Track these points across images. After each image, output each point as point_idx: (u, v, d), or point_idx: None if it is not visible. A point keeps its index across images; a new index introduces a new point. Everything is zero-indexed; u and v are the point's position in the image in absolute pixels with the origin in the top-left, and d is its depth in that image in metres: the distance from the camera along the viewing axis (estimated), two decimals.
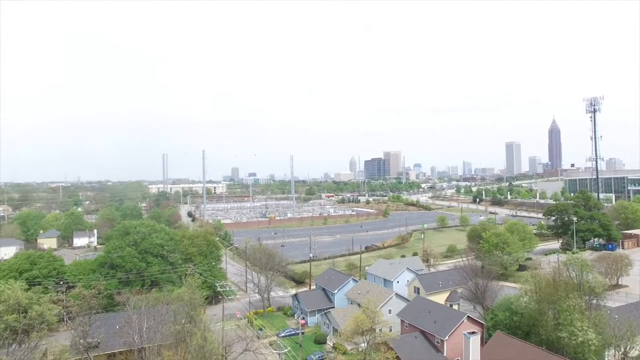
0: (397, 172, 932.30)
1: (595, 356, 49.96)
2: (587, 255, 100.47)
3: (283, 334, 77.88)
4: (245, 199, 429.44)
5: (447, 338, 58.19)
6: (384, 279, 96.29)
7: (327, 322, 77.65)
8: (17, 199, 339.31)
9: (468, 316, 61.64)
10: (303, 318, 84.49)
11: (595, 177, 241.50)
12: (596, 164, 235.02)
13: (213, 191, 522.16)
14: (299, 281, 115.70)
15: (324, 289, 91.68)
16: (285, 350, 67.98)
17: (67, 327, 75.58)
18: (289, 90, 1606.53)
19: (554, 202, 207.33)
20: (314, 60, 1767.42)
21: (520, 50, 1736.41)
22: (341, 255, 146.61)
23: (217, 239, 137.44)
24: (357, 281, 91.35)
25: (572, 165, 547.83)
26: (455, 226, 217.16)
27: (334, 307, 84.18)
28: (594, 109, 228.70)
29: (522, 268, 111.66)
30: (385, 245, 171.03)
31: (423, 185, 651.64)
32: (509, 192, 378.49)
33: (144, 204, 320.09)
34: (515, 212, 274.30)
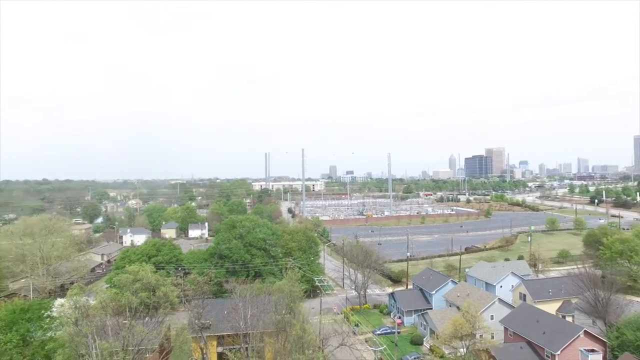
0: (501, 169, 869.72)
1: None
2: None
3: (379, 332, 78.10)
4: (343, 196, 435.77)
5: (559, 353, 53.38)
6: (486, 283, 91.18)
7: (424, 323, 76.03)
8: (145, 193, 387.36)
9: (585, 331, 55.88)
10: (399, 317, 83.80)
11: None
12: None
13: (312, 188, 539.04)
14: (395, 280, 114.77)
15: (421, 289, 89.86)
16: (381, 348, 68.12)
17: (184, 308, 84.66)
18: (378, 88, 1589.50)
19: None
20: (399, 55, 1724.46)
21: None
22: (439, 256, 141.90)
23: (316, 235, 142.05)
24: (456, 283, 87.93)
25: None
26: (568, 229, 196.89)
27: (431, 308, 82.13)
28: None
29: None
30: (487, 247, 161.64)
31: (530, 184, 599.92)
32: (638, 193, 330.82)
33: (248, 200, 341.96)
34: None
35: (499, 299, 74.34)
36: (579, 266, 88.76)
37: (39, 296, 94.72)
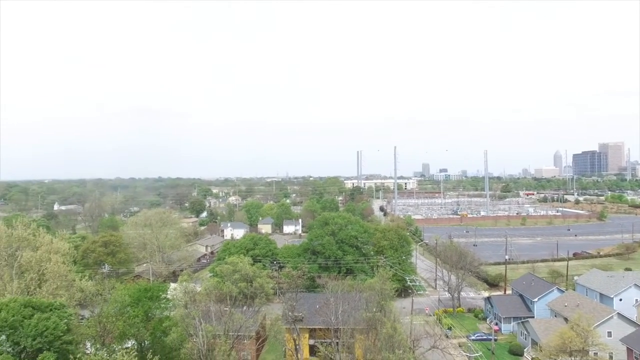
0: (618, 167, 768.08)
1: None
2: None
3: (474, 337, 74.58)
4: (436, 195, 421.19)
5: None
6: (600, 294, 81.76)
7: (525, 332, 70.79)
8: (244, 191, 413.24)
9: None
10: (496, 324, 79.03)
11: None
12: None
13: (404, 187, 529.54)
14: (492, 284, 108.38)
15: (521, 295, 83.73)
16: (477, 355, 65.06)
17: (279, 300, 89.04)
18: (474, 82, 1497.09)
19: None
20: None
21: None
22: (542, 260, 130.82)
23: (408, 233, 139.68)
24: (562, 291, 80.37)
25: None
26: None
27: (533, 316, 76.09)
28: None
29: None
30: (600, 253, 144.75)
31: None
32: None
33: (340, 198, 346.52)
34: None
35: (618, 313, 66.21)
36: None
37: (157, 279, 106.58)
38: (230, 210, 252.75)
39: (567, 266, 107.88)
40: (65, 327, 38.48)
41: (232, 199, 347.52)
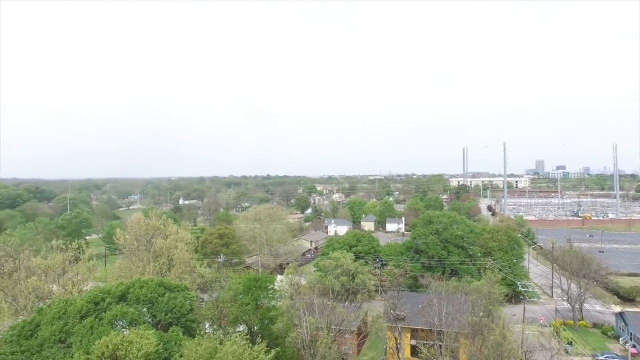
0: None
1: None
2: None
3: (601, 358, 66.38)
4: (552, 194, 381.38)
5: None
6: None
7: None
8: (347, 188, 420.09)
9: None
10: (634, 346, 69.20)
11: None
12: None
13: (514, 185, 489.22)
14: (625, 297, 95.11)
15: None
16: None
17: (380, 297, 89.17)
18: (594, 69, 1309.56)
19: None
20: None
21: None
22: None
23: (519, 235, 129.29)
24: None
25: None
26: None
27: None
28: None
29: None
30: None
31: None
32: None
33: (445, 196, 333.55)
34: None
35: None
36: None
37: (265, 271, 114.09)
38: (334, 207, 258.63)
39: None
40: (189, 307, 43.48)
41: (336, 196, 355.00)
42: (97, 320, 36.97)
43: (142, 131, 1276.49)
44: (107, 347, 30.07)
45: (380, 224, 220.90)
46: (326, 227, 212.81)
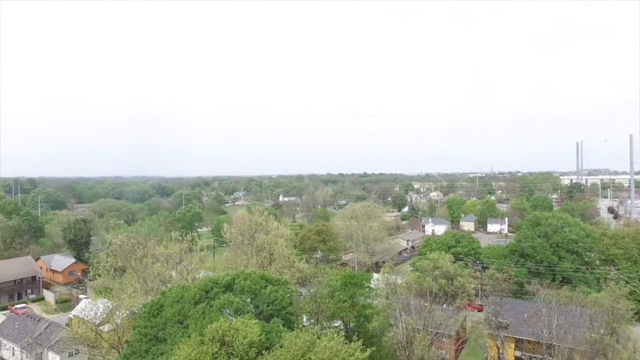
0: None
1: None
2: None
3: None
4: None
5: None
6: None
7: None
8: (445, 186, 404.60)
9: None
10: None
11: None
12: None
13: None
14: None
15: None
16: None
17: (481, 302, 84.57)
18: None
19: None
20: None
21: None
22: None
23: None
24: None
25: None
26: None
27: None
28: None
29: None
30: None
31: None
32: None
33: (554, 196, 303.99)
34: None
35: None
36: None
37: (361, 268, 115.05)
38: (432, 206, 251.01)
39: None
40: (289, 300, 45.78)
41: (433, 195, 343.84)
42: (208, 306, 40.86)
43: (243, 134, 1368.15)
44: (217, 332, 33.16)
45: (481, 224, 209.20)
46: (423, 226, 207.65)
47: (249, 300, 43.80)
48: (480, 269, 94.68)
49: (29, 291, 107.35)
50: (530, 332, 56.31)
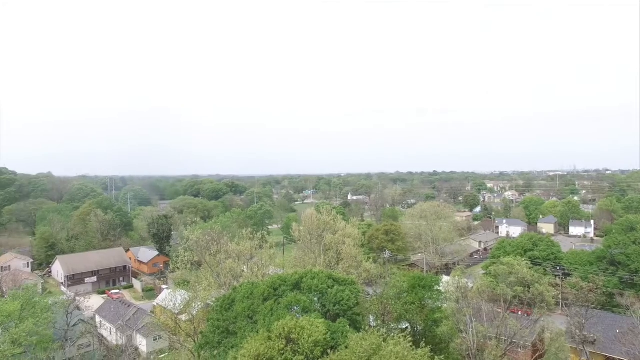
0: None
1: None
2: None
3: None
4: None
5: None
6: None
7: None
8: (521, 185, 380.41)
9: None
10: None
11: None
12: None
13: None
14: None
15: None
16: None
17: (562, 312, 78.42)
18: None
19: None
20: None
21: None
22: None
23: None
24: None
25: None
26: None
27: None
28: None
29: None
30: None
31: None
32: None
33: None
34: None
35: None
36: None
37: (430, 270, 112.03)
38: (506, 206, 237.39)
39: None
40: (355, 301, 45.83)
41: (508, 194, 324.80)
42: (276, 303, 42.18)
43: (314, 133, 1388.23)
44: (284, 329, 34.14)
45: (562, 227, 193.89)
46: (497, 227, 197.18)
47: (316, 299, 44.52)
48: (561, 276, 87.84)
49: (121, 279, 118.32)
50: (625, 351, 51.26)
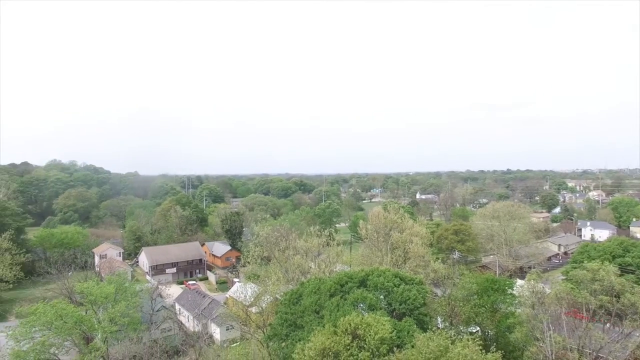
0: None
1: None
2: None
3: None
4: None
5: None
6: None
7: None
8: (609, 185, 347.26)
9: None
10: None
11: None
12: None
13: None
14: None
15: None
16: None
17: None
18: None
19: None
20: None
21: None
22: None
23: None
24: None
25: None
26: None
27: None
28: None
29: None
30: None
31: None
32: None
33: None
34: None
35: None
36: None
37: (503, 273, 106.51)
38: (591, 207, 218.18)
39: None
40: (422, 301, 45.17)
41: (593, 194, 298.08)
42: (342, 299, 42.86)
43: (382, 133, 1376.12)
44: (350, 325, 34.67)
45: None
46: (579, 229, 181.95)
47: (382, 297, 44.58)
48: None
49: (197, 271, 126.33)
50: None
